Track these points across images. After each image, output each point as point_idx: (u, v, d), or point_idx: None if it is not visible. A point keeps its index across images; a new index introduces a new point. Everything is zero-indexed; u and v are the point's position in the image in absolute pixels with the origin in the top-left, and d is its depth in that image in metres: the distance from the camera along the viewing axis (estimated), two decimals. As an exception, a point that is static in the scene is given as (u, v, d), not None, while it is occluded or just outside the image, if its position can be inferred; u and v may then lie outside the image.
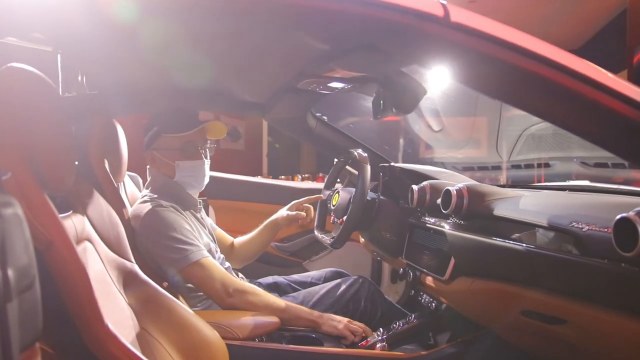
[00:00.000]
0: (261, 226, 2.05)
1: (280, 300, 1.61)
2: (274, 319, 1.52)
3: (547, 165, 2.08)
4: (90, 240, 1.10)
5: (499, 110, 2.12)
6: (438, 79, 1.71)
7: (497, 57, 0.84)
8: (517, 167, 2.21)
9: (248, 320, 1.48)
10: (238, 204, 3.03)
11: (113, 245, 1.19)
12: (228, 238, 2.09)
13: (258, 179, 3.15)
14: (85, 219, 1.12)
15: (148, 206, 1.60)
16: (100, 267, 1.10)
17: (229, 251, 2.07)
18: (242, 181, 3.13)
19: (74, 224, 1.01)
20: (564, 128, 0.90)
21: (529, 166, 2.18)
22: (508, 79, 0.88)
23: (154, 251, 1.56)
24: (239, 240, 2.10)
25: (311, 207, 2.03)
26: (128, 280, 1.20)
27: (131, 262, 1.24)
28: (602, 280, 1.04)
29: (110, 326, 0.84)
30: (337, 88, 1.52)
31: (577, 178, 1.77)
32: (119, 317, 1.08)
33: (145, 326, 1.17)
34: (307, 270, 2.79)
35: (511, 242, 1.26)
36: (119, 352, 0.86)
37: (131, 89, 1.92)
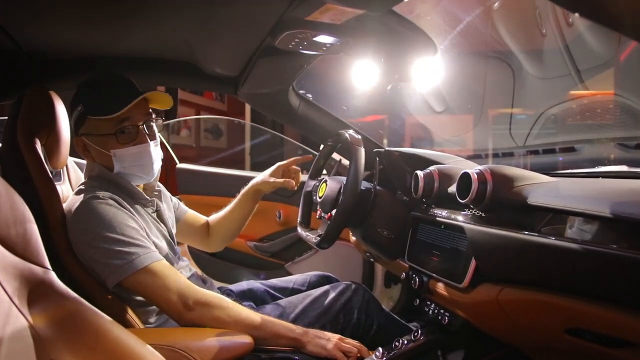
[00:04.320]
0: (239, 195, 1.73)
1: (254, 314, 1.28)
2: (245, 339, 1.19)
3: (572, 149, 1.79)
4: (-31, 237, 0.77)
5: (511, 87, 1.82)
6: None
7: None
8: (535, 152, 1.92)
9: (211, 341, 1.14)
10: (213, 199, 2.71)
11: (16, 246, 0.86)
12: (201, 218, 1.78)
13: (235, 171, 2.83)
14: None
15: (80, 198, 1.26)
16: (-17, 276, 0.77)
17: (204, 234, 1.77)
18: (217, 174, 2.81)
19: None
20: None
21: (548, 151, 1.88)
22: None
23: (88, 256, 1.22)
24: (215, 217, 1.79)
25: (299, 169, 1.72)
26: (37, 293, 0.86)
27: (45, 268, 0.90)
28: None
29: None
30: (324, 45, 1.20)
31: (611, 163, 1.47)
32: (8, 347, 0.75)
33: (57, 356, 0.83)
34: (289, 273, 2.49)
35: (555, 238, 0.96)
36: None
37: (74, 55, 1.58)
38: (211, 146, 7.89)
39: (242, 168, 7.35)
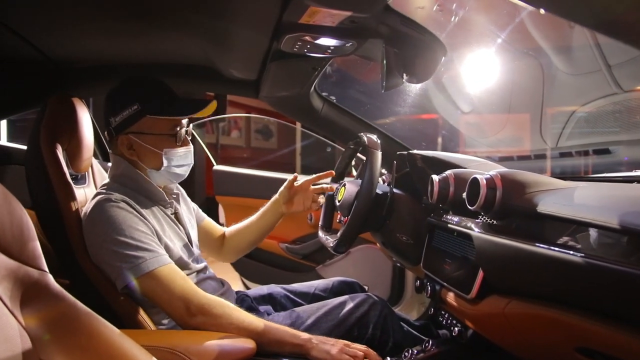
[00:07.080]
0: (263, 207, 1.73)
1: (258, 320, 1.27)
2: (247, 343, 1.18)
3: (606, 151, 1.67)
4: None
5: (541, 85, 1.72)
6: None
7: None
8: (567, 155, 1.80)
9: (212, 345, 1.14)
10: (249, 200, 2.74)
11: (11, 249, 0.89)
12: (218, 229, 1.78)
13: (271, 173, 2.84)
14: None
15: (95, 201, 1.30)
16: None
17: (219, 244, 1.77)
18: (253, 176, 2.84)
19: None
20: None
21: (581, 153, 1.76)
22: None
23: (99, 257, 1.26)
24: (232, 229, 1.78)
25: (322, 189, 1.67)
26: (31, 295, 0.89)
27: (41, 270, 0.93)
28: None
29: None
30: (328, 47, 1.17)
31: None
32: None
33: (48, 357, 0.86)
34: (320, 276, 2.47)
35: (563, 250, 0.89)
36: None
37: (99, 63, 1.64)
38: (262, 147, 7.98)
39: (293, 169, 7.36)
